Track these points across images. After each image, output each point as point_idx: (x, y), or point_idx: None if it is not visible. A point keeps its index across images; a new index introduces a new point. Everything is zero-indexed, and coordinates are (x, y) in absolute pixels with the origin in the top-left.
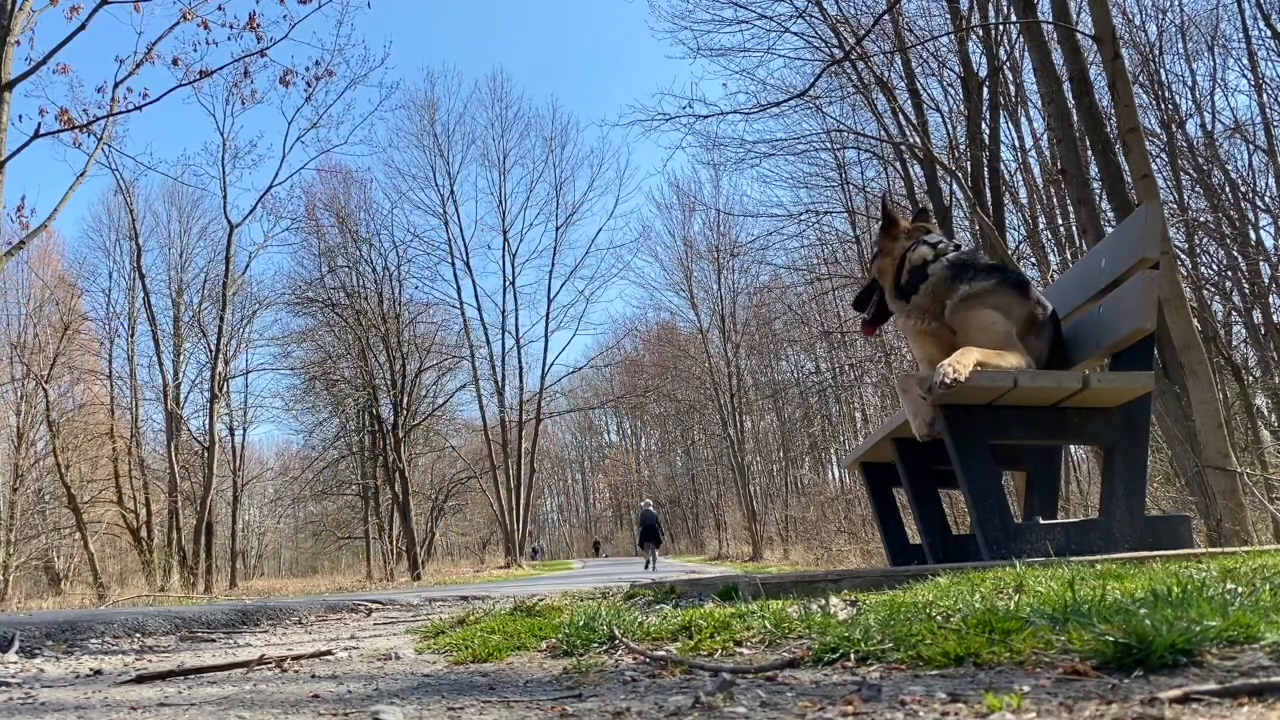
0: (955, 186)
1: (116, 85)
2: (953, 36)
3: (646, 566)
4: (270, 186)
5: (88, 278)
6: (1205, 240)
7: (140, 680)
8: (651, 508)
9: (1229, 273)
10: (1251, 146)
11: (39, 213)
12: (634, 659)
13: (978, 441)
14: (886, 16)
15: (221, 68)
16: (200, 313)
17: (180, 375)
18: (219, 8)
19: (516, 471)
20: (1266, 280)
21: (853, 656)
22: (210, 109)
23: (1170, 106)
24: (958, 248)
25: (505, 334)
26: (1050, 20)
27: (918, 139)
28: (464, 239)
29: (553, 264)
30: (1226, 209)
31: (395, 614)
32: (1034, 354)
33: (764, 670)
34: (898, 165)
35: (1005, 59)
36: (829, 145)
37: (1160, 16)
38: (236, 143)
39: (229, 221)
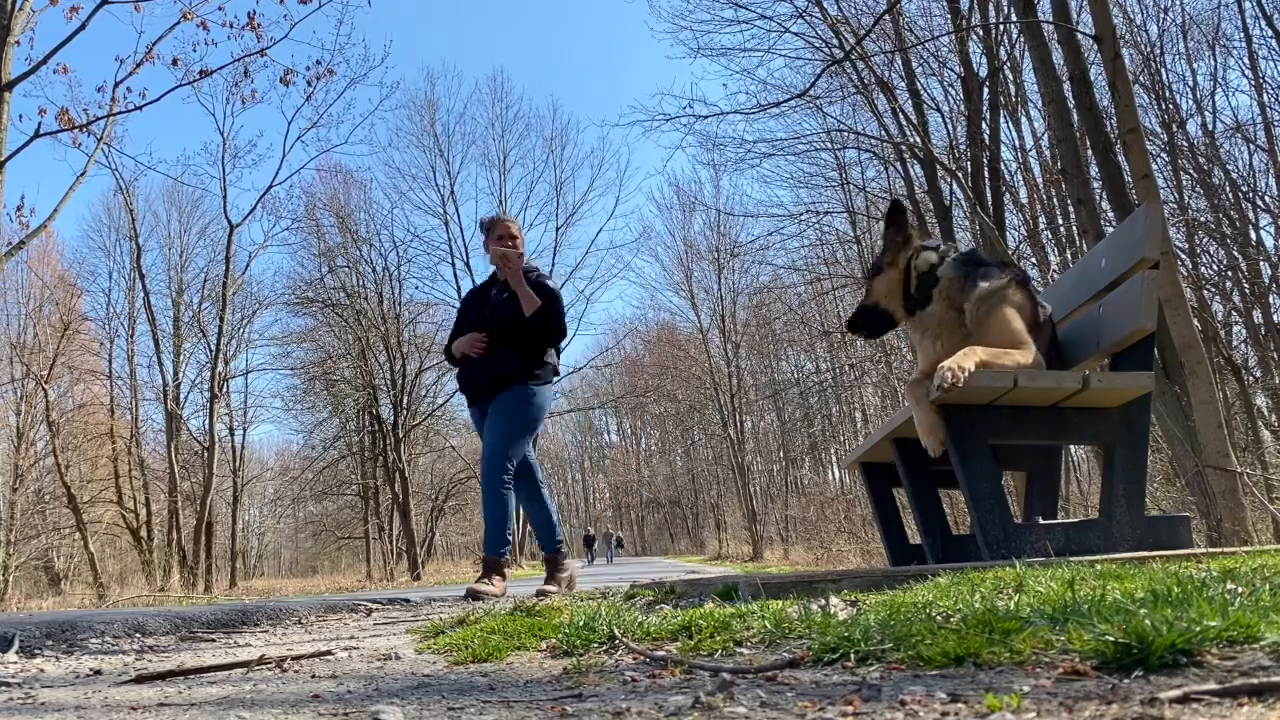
0: (955, 186)
1: (116, 85)
2: (953, 36)
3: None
4: (270, 186)
5: (88, 278)
6: (1205, 240)
7: (140, 680)
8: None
9: (1229, 273)
10: (1252, 146)
11: (39, 213)
12: (634, 659)
13: (978, 441)
14: (886, 16)
15: (221, 67)
16: (200, 313)
17: (180, 375)
18: (219, 8)
19: None
20: (1266, 280)
21: (853, 656)
22: (210, 109)
23: (1171, 106)
24: (955, 249)
25: None
26: (1050, 20)
27: (918, 139)
28: (464, 239)
29: (553, 264)
30: (1226, 209)
31: (395, 614)
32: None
33: (764, 670)
34: (898, 165)
35: (1005, 59)
36: (829, 145)
37: (1161, 16)
38: (236, 142)
39: (229, 221)
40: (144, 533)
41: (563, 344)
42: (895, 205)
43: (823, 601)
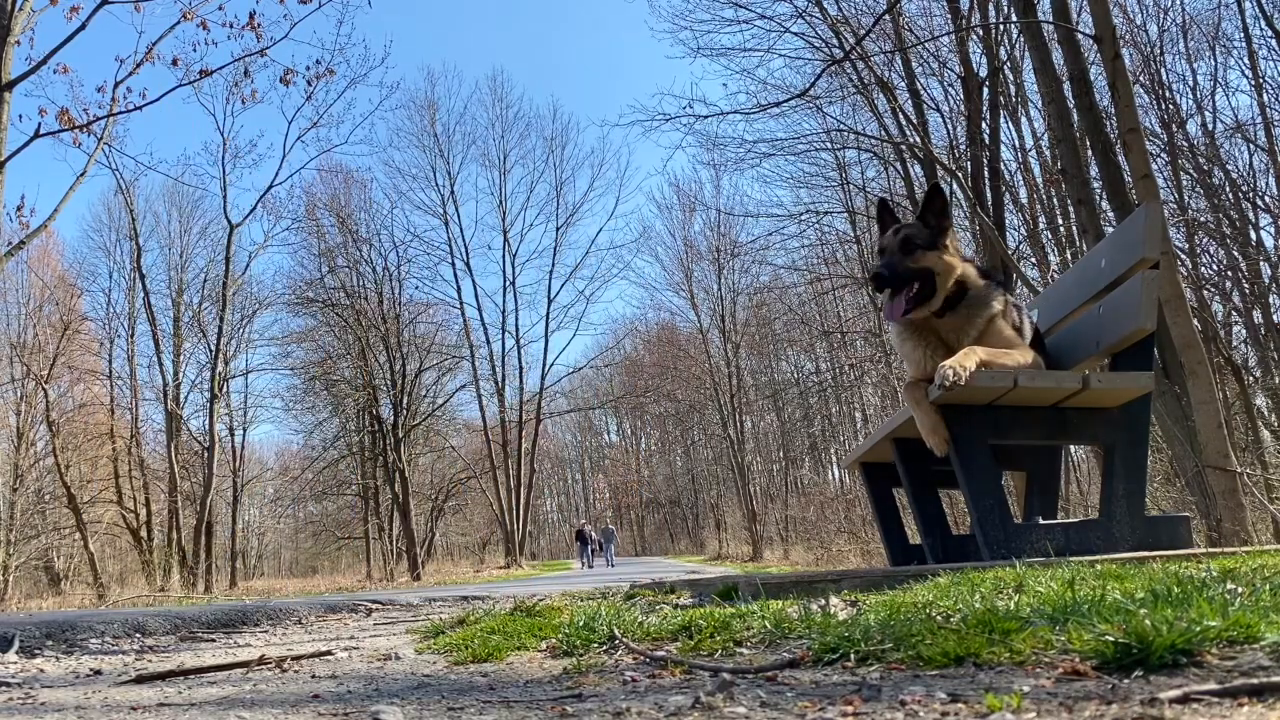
0: (955, 186)
1: (116, 85)
2: (953, 36)
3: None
4: (270, 186)
5: (88, 278)
6: (1205, 240)
7: (140, 680)
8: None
9: (1229, 273)
10: (1252, 146)
11: (39, 213)
12: (634, 659)
13: (978, 441)
14: (886, 16)
15: (222, 67)
16: (200, 313)
17: (180, 375)
18: (219, 8)
19: (516, 471)
20: (1266, 280)
21: (853, 656)
22: (210, 109)
23: (1171, 106)
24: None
25: (505, 334)
26: (1050, 20)
27: (918, 139)
28: (464, 239)
29: (553, 264)
30: (1226, 209)
31: (395, 614)
32: None
33: (764, 670)
34: (898, 165)
35: (1005, 59)
36: (829, 145)
37: (1161, 16)
38: (237, 142)
39: (229, 221)
40: (144, 533)
41: None
42: (936, 188)
43: (823, 601)
